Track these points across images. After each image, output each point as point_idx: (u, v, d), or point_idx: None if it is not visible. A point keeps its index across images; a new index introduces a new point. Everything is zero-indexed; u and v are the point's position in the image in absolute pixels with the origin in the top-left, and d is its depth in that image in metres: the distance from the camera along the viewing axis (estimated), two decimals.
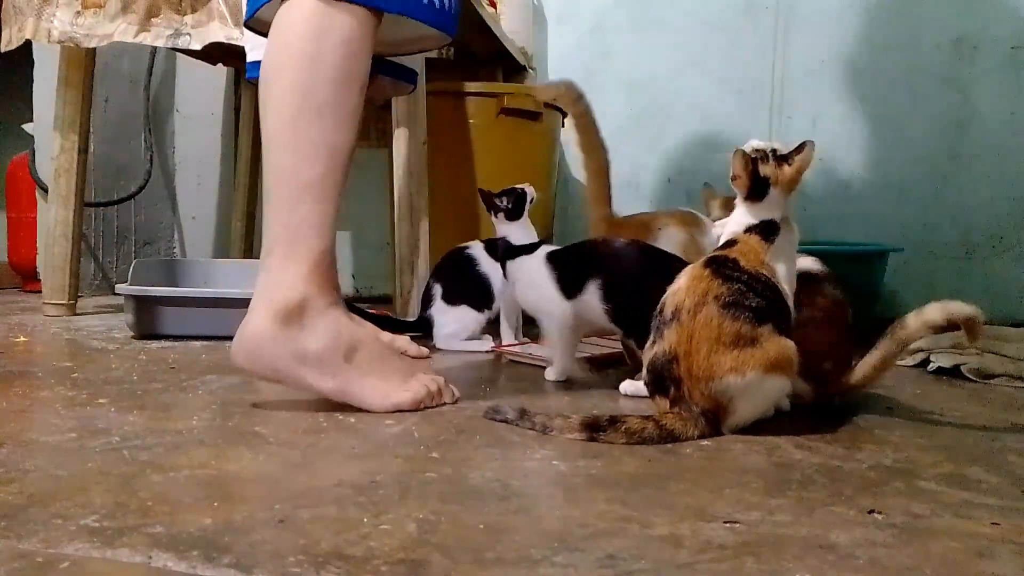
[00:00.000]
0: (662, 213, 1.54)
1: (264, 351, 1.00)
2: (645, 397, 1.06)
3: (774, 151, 1.03)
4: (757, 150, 1.03)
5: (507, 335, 1.61)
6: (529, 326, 1.73)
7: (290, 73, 1.02)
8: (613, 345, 1.46)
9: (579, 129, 1.39)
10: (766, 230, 1.02)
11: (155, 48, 2.40)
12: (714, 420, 0.95)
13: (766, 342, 0.93)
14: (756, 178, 1.02)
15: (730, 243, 1.03)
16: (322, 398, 1.03)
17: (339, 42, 1.02)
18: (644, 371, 1.02)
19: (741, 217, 1.04)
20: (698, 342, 0.94)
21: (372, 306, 1.82)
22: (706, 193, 1.62)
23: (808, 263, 1.15)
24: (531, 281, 1.27)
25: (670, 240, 1.45)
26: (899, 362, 1.53)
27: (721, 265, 0.98)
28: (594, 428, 0.92)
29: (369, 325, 1.15)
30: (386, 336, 1.39)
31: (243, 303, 1.03)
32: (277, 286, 1.01)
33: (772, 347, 0.94)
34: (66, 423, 0.95)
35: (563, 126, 2.23)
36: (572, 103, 1.39)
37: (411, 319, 1.68)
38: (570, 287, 1.22)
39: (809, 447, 0.92)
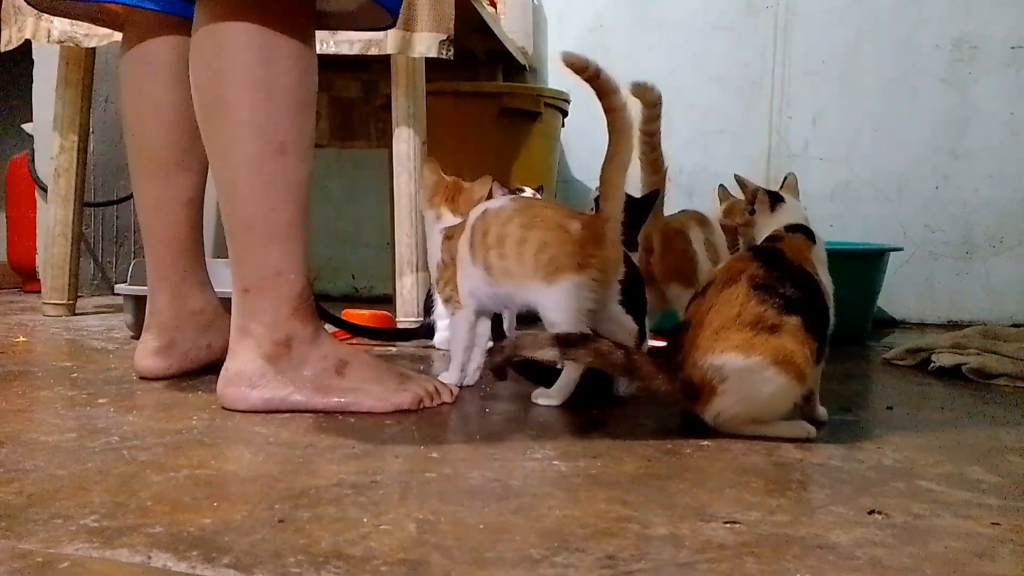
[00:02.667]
0: (682, 215, 1.53)
1: (253, 389, 1.00)
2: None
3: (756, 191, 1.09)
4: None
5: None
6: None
7: (244, 110, 0.96)
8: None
9: (644, 142, 1.37)
10: (807, 232, 1.02)
11: None
12: (692, 395, 0.91)
13: (786, 334, 0.89)
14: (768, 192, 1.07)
15: (774, 238, 1.02)
16: None
17: (290, 66, 0.96)
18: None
19: (778, 219, 1.05)
20: (712, 315, 0.90)
21: (372, 307, 1.82)
22: (721, 192, 1.61)
23: None
24: None
25: (697, 239, 1.46)
26: (900, 362, 1.54)
27: (765, 252, 0.97)
28: (565, 344, 0.90)
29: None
30: None
31: None
32: (259, 327, 1.00)
33: (790, 341, 0.89)
34: (66, 423, 0.95)
35: (563, 126, 2.23)
36: (650, 107, 1.36)
37: (414, 324, 1.68)
38: None
39: (809, 447, 0.92)
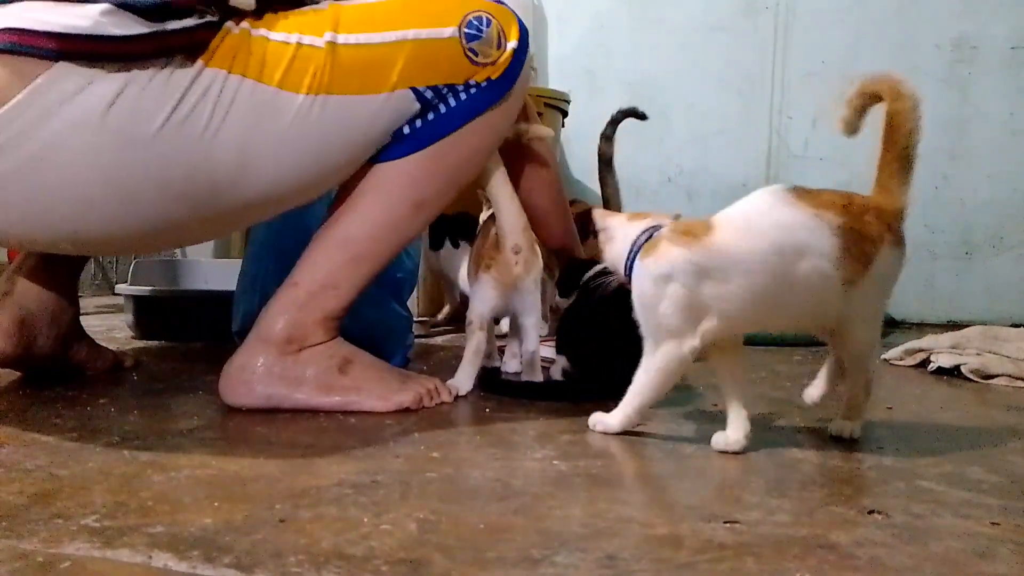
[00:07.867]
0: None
1: (255, 382, 1.00)
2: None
3: None
4: None
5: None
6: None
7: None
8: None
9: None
10: None
11: None
12: None
13: None
14: None
15: None
16: None
17: (476, 154, 1.04)
18: None
19: None
20: None
21: None
22: None
23: None
24: None
25: None
26: (899, 362, 1.54)
27: None
28: None
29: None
30: None
31: None
32: (280, 321, 1.01)
33: None
34: (67, 423, 0.95)
35: (563, 126, 2.23)
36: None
37: None
38: None
39: (809, 447, 0.92)
